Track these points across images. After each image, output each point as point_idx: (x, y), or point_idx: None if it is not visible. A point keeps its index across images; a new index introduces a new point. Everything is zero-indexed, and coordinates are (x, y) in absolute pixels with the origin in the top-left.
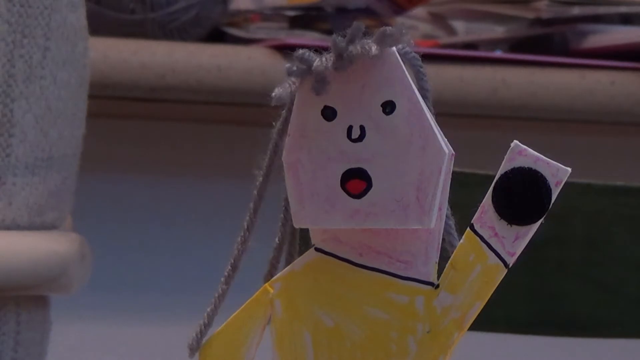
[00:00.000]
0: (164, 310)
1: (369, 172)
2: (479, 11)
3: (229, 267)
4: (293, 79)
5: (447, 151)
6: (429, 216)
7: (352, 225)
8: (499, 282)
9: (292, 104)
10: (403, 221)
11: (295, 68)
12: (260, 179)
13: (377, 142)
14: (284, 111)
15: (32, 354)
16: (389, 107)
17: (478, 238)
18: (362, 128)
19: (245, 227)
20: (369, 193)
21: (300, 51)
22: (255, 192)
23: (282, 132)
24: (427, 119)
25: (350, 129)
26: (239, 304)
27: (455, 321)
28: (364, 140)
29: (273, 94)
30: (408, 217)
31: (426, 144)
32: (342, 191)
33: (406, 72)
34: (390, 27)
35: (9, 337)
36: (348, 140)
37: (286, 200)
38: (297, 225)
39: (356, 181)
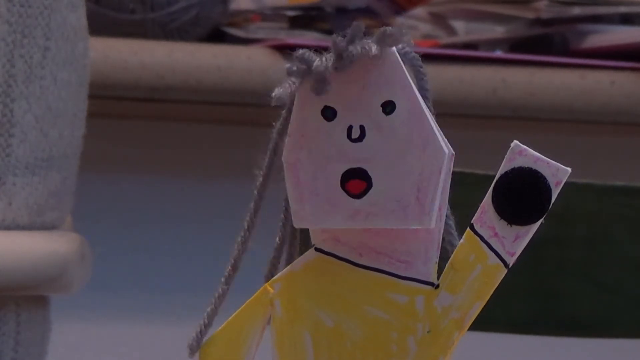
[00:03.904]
0: (164, 310)
1: (369, 172)
2: (479, 11)
3: (229, 267)
4: (293, 79)
5: (447, 151)
6: (429, 216)
7: (353, 225)
8: (499, 282)
9: (292, 104)
10: (403, 221)
11: (295, 68)
12: (261, 179)
13: (377, 142)
14: (284, 111)
15: (32, 354)
16: (389, 107)
17: (478, 238)
18: (362, 128)
19: (246, 227)
20: (369, 193)
21: (301, 51)
22: (255, 192)
23: (282, 132)
24: (428, 119)
25: (350, 129)
26: (239, 304)
27: (455, 321)
28: (364, 140)
29: (273, 94)
30: (408, 217)
31: (426, 144)
32: (342, 191)
33: (406, 72)
34: (390, 27)
35: (9, 337)
36: (348, 140)
37: (286, 200)
38: (297, 226)
39: (356, 181)
